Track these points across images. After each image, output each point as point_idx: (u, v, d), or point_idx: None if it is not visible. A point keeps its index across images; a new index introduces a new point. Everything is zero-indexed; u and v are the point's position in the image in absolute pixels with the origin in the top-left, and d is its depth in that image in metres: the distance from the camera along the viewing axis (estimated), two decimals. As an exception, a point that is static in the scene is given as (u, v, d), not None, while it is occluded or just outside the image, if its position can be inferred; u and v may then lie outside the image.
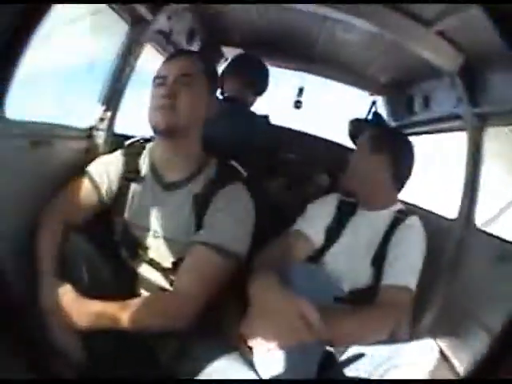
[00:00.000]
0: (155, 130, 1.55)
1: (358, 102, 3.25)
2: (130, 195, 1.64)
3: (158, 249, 1.59)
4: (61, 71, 1.97)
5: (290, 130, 3.26)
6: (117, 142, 1.89)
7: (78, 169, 1.69)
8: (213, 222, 1.51)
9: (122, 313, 1.35)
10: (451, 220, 2.21)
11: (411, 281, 1.59)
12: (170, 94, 1.50)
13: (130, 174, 1.64)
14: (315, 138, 3.31)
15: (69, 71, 2.01)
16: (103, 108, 2.04)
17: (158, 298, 1.52)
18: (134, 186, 1.64)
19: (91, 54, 2.01)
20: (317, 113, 3.93)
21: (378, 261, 1.66)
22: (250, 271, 1.45)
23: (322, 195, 1.89)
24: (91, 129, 2.03)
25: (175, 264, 1.55)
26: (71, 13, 1.56)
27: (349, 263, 1.68)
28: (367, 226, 1.73)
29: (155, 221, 1.58)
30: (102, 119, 2.05)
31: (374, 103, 2.83)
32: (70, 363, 1.31)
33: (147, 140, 1.72)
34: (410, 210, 1.78)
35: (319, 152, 3.18)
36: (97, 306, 1.36)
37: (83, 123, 2.02)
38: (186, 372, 1.36)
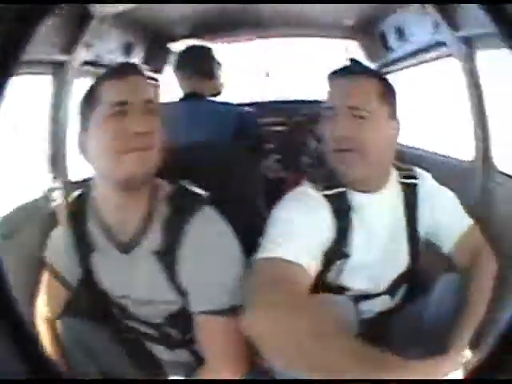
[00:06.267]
0: (118, 180, 1.22)
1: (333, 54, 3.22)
2: (94, 267, 1.39)
3: (143, 312, 1.39)
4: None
5: (266, 102, 3.25)
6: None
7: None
8: (196, 282, 1.26)
9: None
10: (467, 163, 1.98)
11: (467, 216, 1.46)
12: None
13: (82, 244, 1.37)
14: (294, 102, 3.32)
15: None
16: (52, 163, 1.88)
17: None
18: (93, 256, 1.37)
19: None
20: (294, 75, 3.82)
21: (413, 235, 1.45)
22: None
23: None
24: (50, 191, 1.83)
25: (167, 318, 1.38)
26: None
27: (378, 255, 1.42)
28: (377, 210, 1.40)
29: (127, 288, 1.36)
30: (55, 177, 1.87)
31: (352, 60, 2.59)
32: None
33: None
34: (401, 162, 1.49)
35: (303, 115, 3.17)
36: None
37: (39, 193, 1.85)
38: None
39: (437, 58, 2.20)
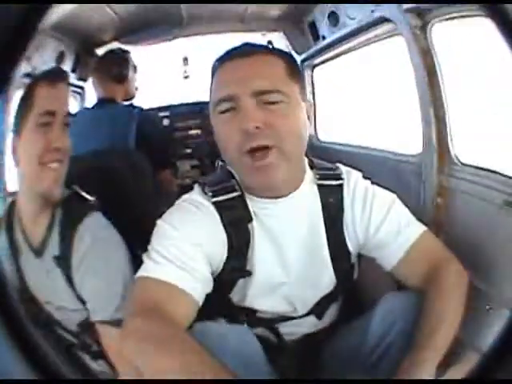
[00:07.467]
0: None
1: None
2: (22, 270, 1.39)
3: (61, 318, 1.39)
4: None
5: (181, 105, 3.25)
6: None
7: None
8: (88, 289, 1.31)
9: None
10: (415, 156, 1.75)
11: (418, 223, 1.19)
12: None
13: (12, 248, 1.39)
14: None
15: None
16: None
17: None
18: (20, 260, 1.39)
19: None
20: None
21: (339, 248, 1.19)
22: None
23: None
24: None
25: (80, 326, 1.37)
26: None
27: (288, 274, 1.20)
28: (287, 218, 1.17)
29: (43, 292, 1.38)
30: None
31: (269, 43, 2.42)
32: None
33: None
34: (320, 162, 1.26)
35: None
36: None
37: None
38: None
39: (375, 40, 1.98)
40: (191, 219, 1.10)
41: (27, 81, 2.01)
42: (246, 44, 1.14)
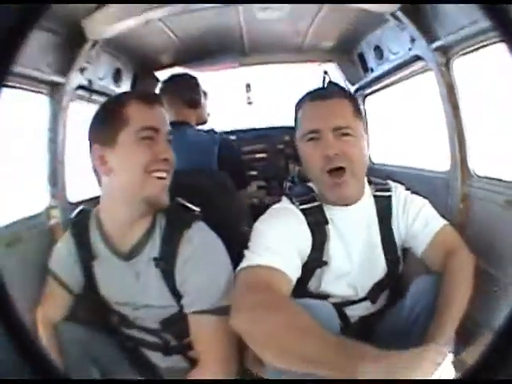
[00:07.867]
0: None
1: (311, 77, 3.02)
2: (95, 274, 1.52)
3: (141, 317, 1.52)
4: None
5: (248, 130, 3.43)
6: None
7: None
8: (191, 284, 1.39)
9: None
10: (444, 173, 2.05)
11: (441, 219, 1.53)
12: None
13: (84, 253, 1.51)
14: (274, 129, 3.43)
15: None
16: (51, 183, 1.96)
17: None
18: (94, 264, 1.51)
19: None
20: (273, 102, 3.87)
21: (389, 243, 1.53)
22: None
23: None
24: (49, 209, 1.95)
25: (163, 323, 1.50)
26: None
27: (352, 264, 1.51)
28: (352, 222, 1.49)
29: (126, 293, 1.49)
30: (53, 196, 1.96)
31: (325, 73, 2.58)
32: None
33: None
34: (377, 177, 1.61)
35: (284, 142, 3.36)
36: None
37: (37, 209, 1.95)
38: None
39: (414, 74, 2.24)
40: (284, 221, 1.41)
41: (82, 93, 2.10)
42: (326, 88, 1.51)
